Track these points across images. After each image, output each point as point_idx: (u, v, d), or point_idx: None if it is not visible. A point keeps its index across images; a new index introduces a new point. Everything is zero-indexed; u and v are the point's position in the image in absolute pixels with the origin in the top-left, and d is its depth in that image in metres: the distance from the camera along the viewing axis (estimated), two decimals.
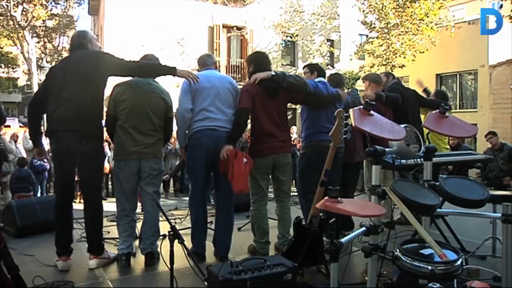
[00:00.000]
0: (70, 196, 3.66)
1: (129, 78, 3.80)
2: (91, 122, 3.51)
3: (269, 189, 4.00)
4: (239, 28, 18.10)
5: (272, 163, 3.80)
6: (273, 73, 3.74)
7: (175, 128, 4.01)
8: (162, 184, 8.95)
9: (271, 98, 3.76)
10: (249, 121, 4.01)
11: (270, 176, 3.93)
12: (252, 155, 3.74)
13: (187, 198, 8.61)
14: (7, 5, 16.44)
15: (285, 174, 3.90)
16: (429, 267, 2.08)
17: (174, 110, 3.92)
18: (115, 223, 5.19)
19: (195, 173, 3.80)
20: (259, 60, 3.97)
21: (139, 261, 3.76)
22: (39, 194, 9.08)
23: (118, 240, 4.30)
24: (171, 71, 3.62)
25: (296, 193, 4.58)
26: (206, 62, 4.08)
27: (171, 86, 4.06)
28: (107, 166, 9.15)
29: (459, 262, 2.15)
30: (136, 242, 3.94)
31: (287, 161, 3.90)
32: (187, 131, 3.82)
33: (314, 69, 4.35)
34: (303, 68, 4.59)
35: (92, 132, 3.53)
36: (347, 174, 4.57)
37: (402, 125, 3.06)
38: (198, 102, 3.74)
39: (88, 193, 3.66)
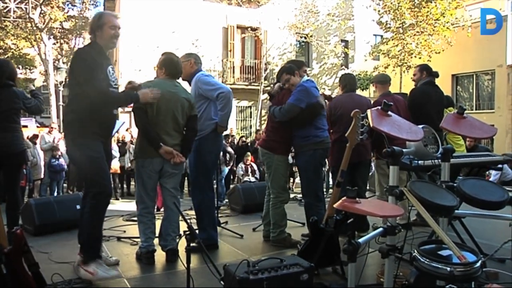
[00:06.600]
0: None
1: (156, 78, 3.86)
2: None
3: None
4: (253, 29, 18.12)
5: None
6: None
7: None
8: None
9: None
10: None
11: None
12: None
13: None
14: (25, 8, 16.71)
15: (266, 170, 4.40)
16: (448, 268, 2.05)
17: None
18: (130, 223, 5.27)
19: (214, 167, 4.42)
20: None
21: (157, 259, 3.76)
22: (55, 194, 9.22)
23: (134, 239, 4.35)
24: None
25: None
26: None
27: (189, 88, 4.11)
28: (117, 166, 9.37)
29: (478, 264, 2.12)
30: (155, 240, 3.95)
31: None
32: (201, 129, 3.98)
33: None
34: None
35: None
36: (358, 172, 4.52)
37: (420, 126, 3.03)
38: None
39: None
